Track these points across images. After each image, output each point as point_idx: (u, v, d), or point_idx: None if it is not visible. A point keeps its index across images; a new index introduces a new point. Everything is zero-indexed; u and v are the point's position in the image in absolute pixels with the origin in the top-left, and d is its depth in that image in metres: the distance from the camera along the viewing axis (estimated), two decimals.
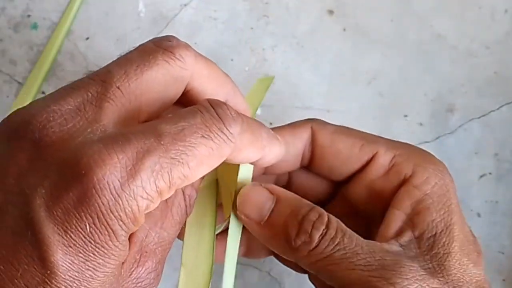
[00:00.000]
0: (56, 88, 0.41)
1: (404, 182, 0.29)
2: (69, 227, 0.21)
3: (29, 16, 0.42)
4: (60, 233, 0.21)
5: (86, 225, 0.21)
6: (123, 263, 0.23)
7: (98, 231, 0.21)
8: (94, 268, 0.22)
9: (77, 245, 0.21)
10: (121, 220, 0.21)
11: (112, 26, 0.42)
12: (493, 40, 0.42)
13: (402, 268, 0.26)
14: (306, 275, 0.40)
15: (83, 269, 0.21)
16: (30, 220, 0.21)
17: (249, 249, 0.33)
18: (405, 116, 0.41)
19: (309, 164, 0.32)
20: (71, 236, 0.21)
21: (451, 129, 0.41)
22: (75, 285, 0.21)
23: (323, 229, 0.27)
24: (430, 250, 0.27)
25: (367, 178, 0.30)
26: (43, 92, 0.41)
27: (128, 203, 0.21)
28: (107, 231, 0.21)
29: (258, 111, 0.41)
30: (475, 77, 0.42)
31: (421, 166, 0.29)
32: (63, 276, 0.21)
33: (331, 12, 0.42)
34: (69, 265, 0.21)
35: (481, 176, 0.41)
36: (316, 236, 0.26)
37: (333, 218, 0.27)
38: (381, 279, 0.25)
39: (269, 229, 0.28)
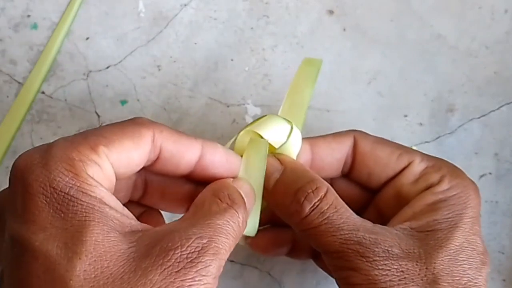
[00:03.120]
0: (56, 88, 0.41)
1: (428, 188, 0.32)
2: None
3: (29, 16, 0.42)
4: None
5: None
6: None
7: None
8: None
9: None
10: None
11: (112, 26, 0.42)
12: (493, 40, 0.42)
13: (377, 248, 0.29)
14: (306, 276, 0.40)
15: None
16: None
17: (292, 249, 0.36)
18: (405, 116, 0.41)
19: (350, 171, 0.34)
20: None
21: (451, 129, 0.41)
22: None
23: (315, 202, 0.30)
24: (422, 241, 0.30)
25: (398, 183, 0.33)
26: (43, 92, 0.41)
27: None
28: None
29: (258, 111, 0.41)
30: (475, 77, 0.42)
31: (447, 178, 0.32)
32: None
33: (331, 12, 0.42)
34: None
35: (481, 176, 0.41)
36: (307, 208, 0.30)
37: (331, 193, 0.30)
38: (356, 252, 0.29)
39: (274, 196, 0.31)
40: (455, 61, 0.42)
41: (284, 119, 0.32)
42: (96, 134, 0.27)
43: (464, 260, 0.30)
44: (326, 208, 0.30)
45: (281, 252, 0.36)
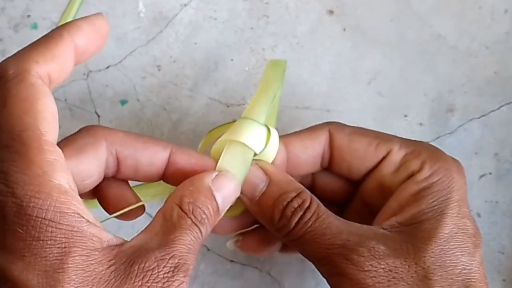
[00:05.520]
0: (56, 88, 0.41)
1: (410, 177, 0.31)
2: None
3: (29, 16, 0.42)
4: None
5: None
6: None
7: None
8: None
9: None
10: None
11: (112, 26, 0.42)
12: (493, 40, 0.42)
13: (361, 247, 0.28)
14: (306, 276, 0.40)
15: None
16: None
17: (284, 246, 0.36)
18: (405, 116, 0.41)
19: (329, 165, 0.34)
20: None
21: (451, 129, 0.41)
22: None
23: (300, 214, 0.30)
24: (410, 234, 0.29)
25: (379, 174, 0.32)
26: None
27: None
28: None
29: None
30: (475, 77, 0.42)
31: (428, 163, 0.31)
32: None
33: (331, 12, 0.42)
34: None
35: (481, 176, 0.41)
36: (294, 221, 0.30)
37: (314, 203, 0.30)
38: (341, 256, 0.28)
39: (259, 208, 0.31)
40: (455, 61, 0.42)
41: (258, 122, 0.32)
42: (32, 133, 0.25)
43: (455, 248, 0.29)
44: (309, 217, 0.30)
45: (272, 250, 0.36)
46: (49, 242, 0.24)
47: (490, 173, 0.41)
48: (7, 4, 0.42)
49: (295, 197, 0.30)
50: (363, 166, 0.32)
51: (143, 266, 0.25)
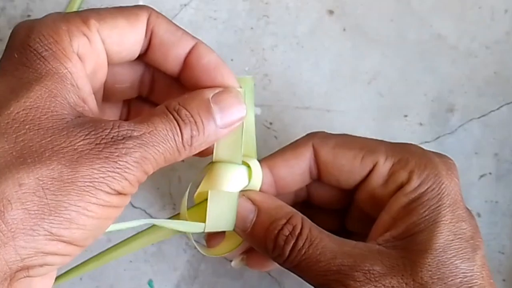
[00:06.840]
0: None
1: (399, 189, 0.31)
2: None
3: (29, 16, 0.42)
4: None
5: None
6: None
7: None
8: None
9: None
10: None
11: None
12: (493, 40, 0.42)
13: (356, 271, 0.28)
14: None
15: None
16: None
17: None
18: (405, 116, 0.41)
19: (319, 177, 0.33)
20: None
21: (451, 129, 0.41)
22: None
23: (293, 242, 0.29)
24: (405, 249, 0.29)
25: (370, 186, 0.32)
26: None
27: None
28: None
29: (258, 111, 0.41)
30: (475, 77, 0.42)
31: (416, 173, 0.30)
32: None
33: (331, 12, 0.42)
34: None
35: (481, 176, 0.41)
36: (287, 250, 0.30)
37: (305, 227, 0.30)
38: (337, 282, 0.28)
39: (253, 238, 0.31)
40: (455, 61, 0.42)
41: (234, 163, 0.31)
42: (90, 10, 0.28)
43: (453, 256, 0.28)
44: (302, 244, 0.29)
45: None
46: (30, 70, 0.25)
47: (490, 173, 0.41)
48: (7, 4, 0.42)
49: (285, 223, 0.30)
50: (350, 179, 0.32)
51: (98, 123, 0.25)
